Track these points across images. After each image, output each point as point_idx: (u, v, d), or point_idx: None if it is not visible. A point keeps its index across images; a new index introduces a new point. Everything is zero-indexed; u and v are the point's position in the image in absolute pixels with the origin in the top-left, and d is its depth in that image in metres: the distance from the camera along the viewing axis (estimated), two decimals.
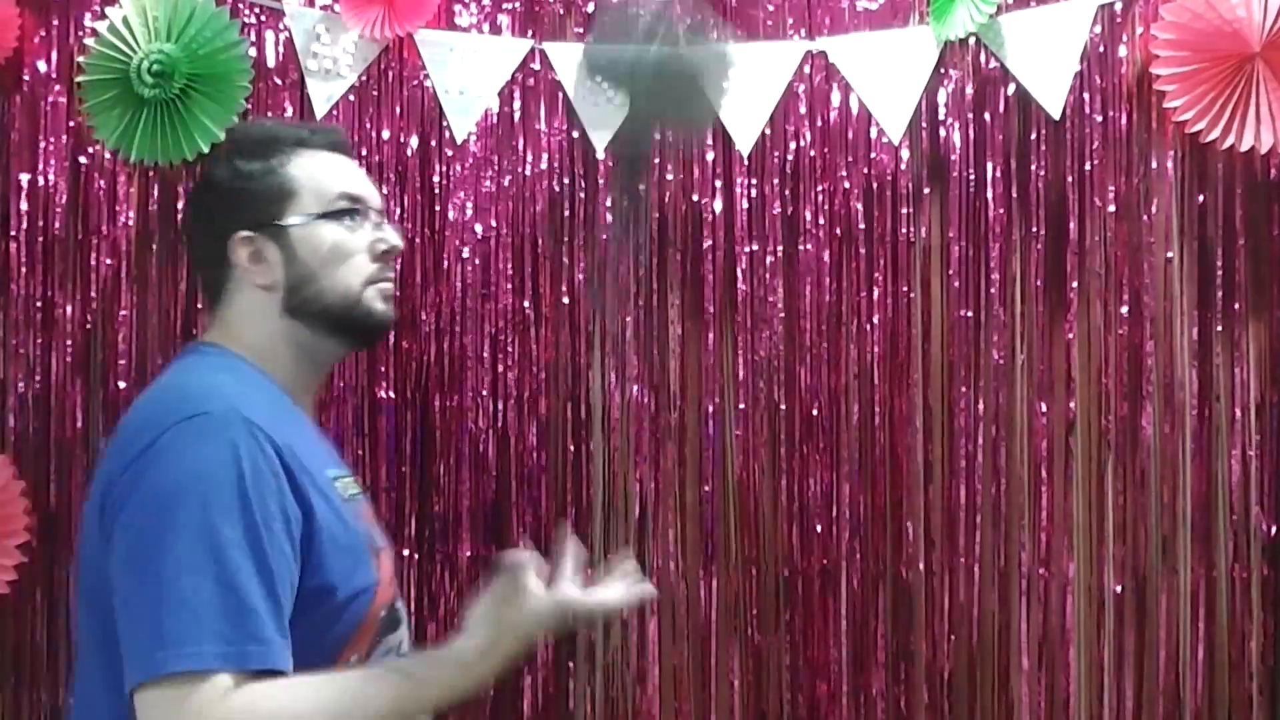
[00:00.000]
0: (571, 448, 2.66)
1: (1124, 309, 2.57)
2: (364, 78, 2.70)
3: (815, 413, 2.62)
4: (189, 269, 2.68)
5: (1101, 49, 2.57)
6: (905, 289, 2.61)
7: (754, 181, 2.65)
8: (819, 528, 2.61)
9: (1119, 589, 2.59)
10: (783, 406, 2.63)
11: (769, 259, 2.64)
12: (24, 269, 2.73)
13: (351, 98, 2.70)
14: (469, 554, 2.67)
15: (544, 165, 2.68)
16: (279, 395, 1.56)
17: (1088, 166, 2.58)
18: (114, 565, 1.39)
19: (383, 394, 2.69)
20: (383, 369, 2.68)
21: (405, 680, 1.46)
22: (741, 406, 2.64)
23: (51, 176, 2.73)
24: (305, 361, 1.60)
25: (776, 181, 2.64)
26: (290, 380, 1.58)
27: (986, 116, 2.61)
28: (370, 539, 1.56)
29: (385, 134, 2.70)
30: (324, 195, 1.60)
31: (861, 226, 2.63)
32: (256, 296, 1.58)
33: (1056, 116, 2.55)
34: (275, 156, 1.61)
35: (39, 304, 2.72)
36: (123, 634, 1.36)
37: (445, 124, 2.68)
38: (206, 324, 1.65)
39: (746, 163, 2.64)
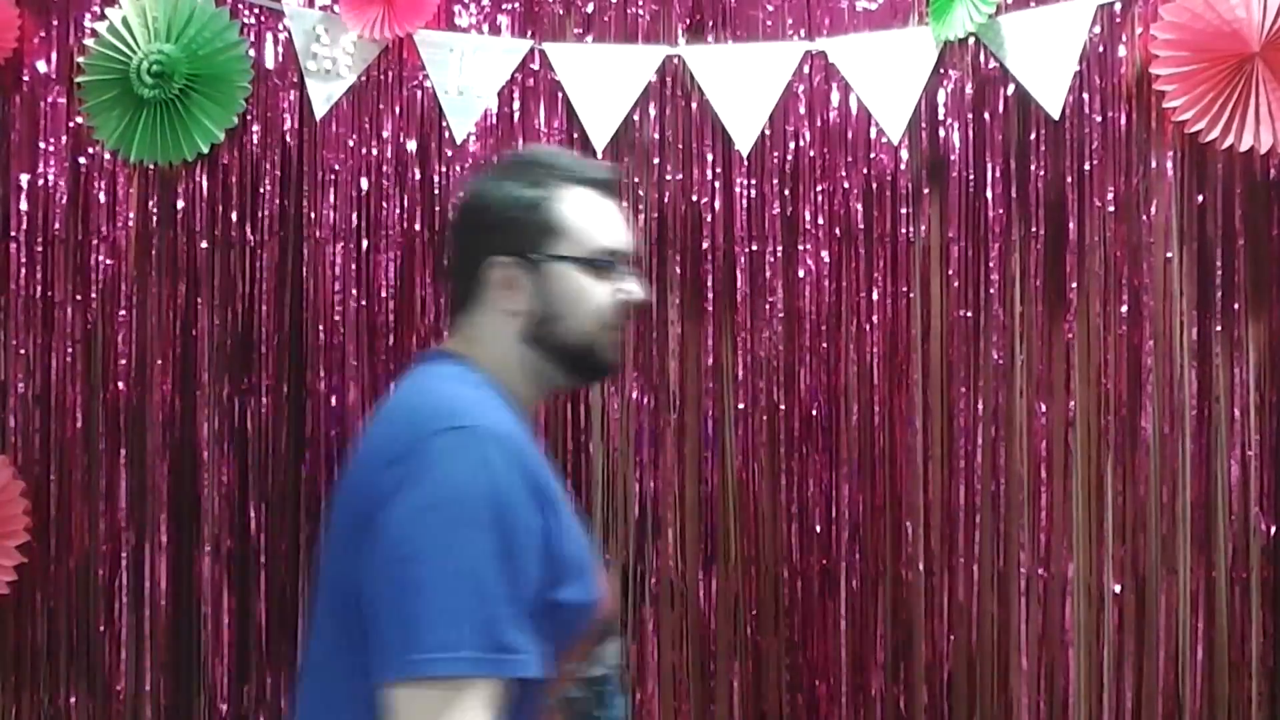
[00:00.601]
0: (571, 447, 2.66)
1: (1124, 309, 2.57)
2: (364, 78, 2.70)
3: (815, 413, 2.62)
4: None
5: (1101, 49, 2.57)
6: (905, 289, 2.61)
7: (754, 181, 2.65)
8: (818, 528, 2.61)
9: (1119, 589, 2.59)
10: (782, 406, 2.63)
11: (769, 259, 2.64)
12: (24, 269, 2.73)
13: (351, 98, 2.70)
14: None
15: None
16: (514, 411, 1.59)
17: (1087, 166, 2.58)
18: (369, 567, 1.42)
19: (383, 393, 2.69)
20: (383, 368, 2.68)
21: None
22: (741, 406, 2.64)
23: (51, 176, 2.73)
24: (534, 384, 1.63)
25: (776, 181, 2.64)
26: (519, 397, 1.61)
27: (986, 116, 2.61)
28: (592, 554, 1.58)
29: (385, 134, 2.70)
30: (588, 244, 1.60)
31: (861, 226, 2.63)
32: (501, 318, 1.60)
33: (1056, 116, 2.55)
34: (550, 188, 1.60)
35: (39, 304, 2.72)
36: (377, 633, 1.40)
37: (445, 124, 2.68)
38: (449, 329, 1.66)
39: (746, 163, 2.64)
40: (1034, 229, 2.60)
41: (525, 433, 1.56)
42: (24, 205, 2.73)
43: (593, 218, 1.62)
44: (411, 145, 2.70)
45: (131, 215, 2.72)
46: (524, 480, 1.46)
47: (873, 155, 2.62)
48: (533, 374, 1.61)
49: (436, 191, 2.70)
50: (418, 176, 2.70)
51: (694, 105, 2.66)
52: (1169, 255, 2.57)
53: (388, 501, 1.42)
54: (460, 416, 1.47)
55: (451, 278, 1.65)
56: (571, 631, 1.52)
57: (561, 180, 1.61)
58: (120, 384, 2.71)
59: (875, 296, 2.62)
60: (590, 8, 2.70)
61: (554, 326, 1.59)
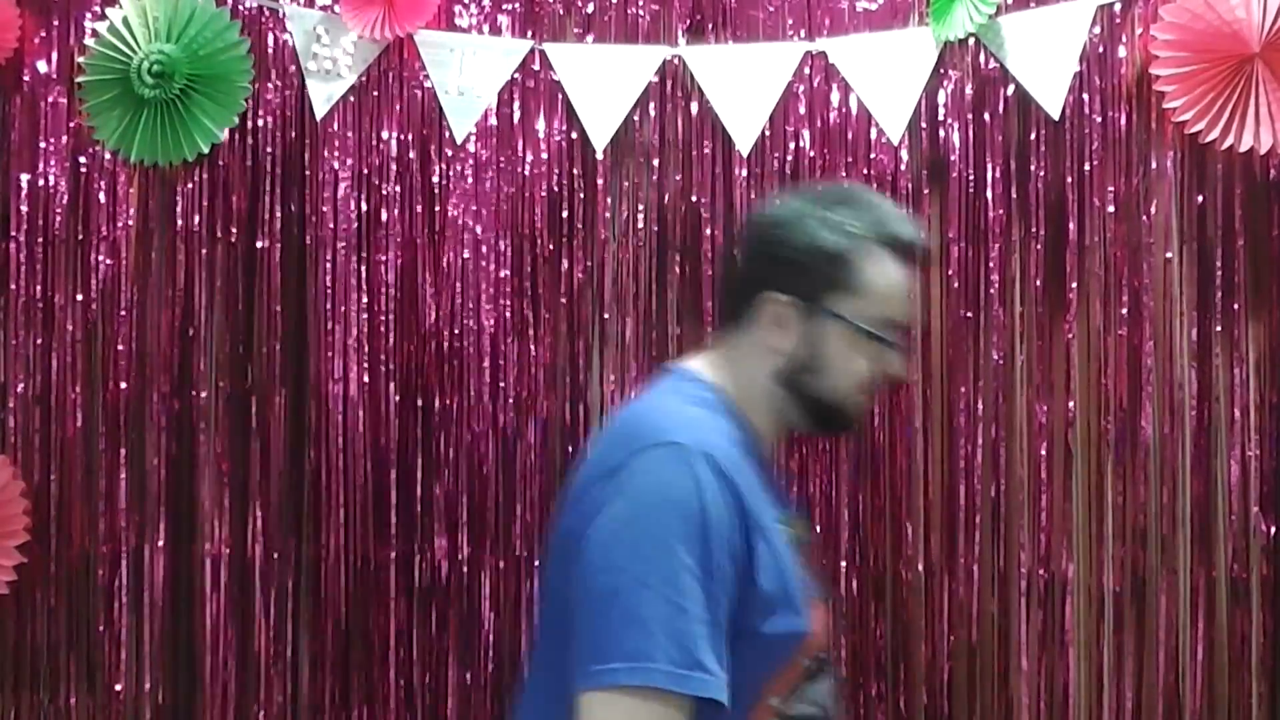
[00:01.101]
0: (571, 448, 2.66)
1: (1124, 309, 2.57)
2: (364, 78, 2.70)
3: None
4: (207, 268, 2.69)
5: (1101, 49, 2.57)
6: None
7: (754, 181, 2.65)
8: (819, 528, 2.61)
9: (1118, 589, 2.59)
10: None
11: None
12: (24, 269, 2.73)
13: (351, 98, 2.70)
14: (468, 553, 2.67)
15: (544, 165, 2.68)
16: (744, 436, 1.55)
17: (1087, 167, 2.58)
18: (577, 574, 1.42)
19: (383, 392, 2.69)
20: (383, 368, 2.68)
21: None
22: None
23: (51, 176, 2.73)
24: (775, 421, 1.60)
25: (777, 182, 2.64)
26: (756, 429, 1.58)
27: (986, 117, 2.61)
28: (807, 587, 1.53)
29: (385, 134, 2.70)
30: (878, 315, 1.55)
31: None
32: (760, 351, 1.56)
33: (1056, 117, 2.55)
34: (857, 243, 1.53)
35: (39, 304, 2.72)
36: (575, 642, 1.40)
37: (445, 124, 2.68)
38: (707, 342, 1.64)
39: (746, 163, 2.64)
40: (1034, 229, 2.59)
41: (747, 459, 1.51)
42: (24, 205, 2.73)
43: (888, 287, 1.56)
44: (412, 145, 2.70)
45: (131, 215, 2.72)
46: (731, 501, 1.43)
47: (873, 155, 2.62)
48: (776, 411, 1.58)
49: (436, 191, 2.70)
50: (418, 176, 2.70)
51: (694, 105, 2.66)
52: (1169, 255, 2.57)
53: (596, 514, 1.42)
54: (673, 433, 1.46)
55: (724, 290, 1.63)
56: (774, 663, 1.48)
57: (871, 237, 1.54)
58: (120, 384, 2.71)
59: None
60: (590, 8, 2.70)
61: (811, 378, 1.55)
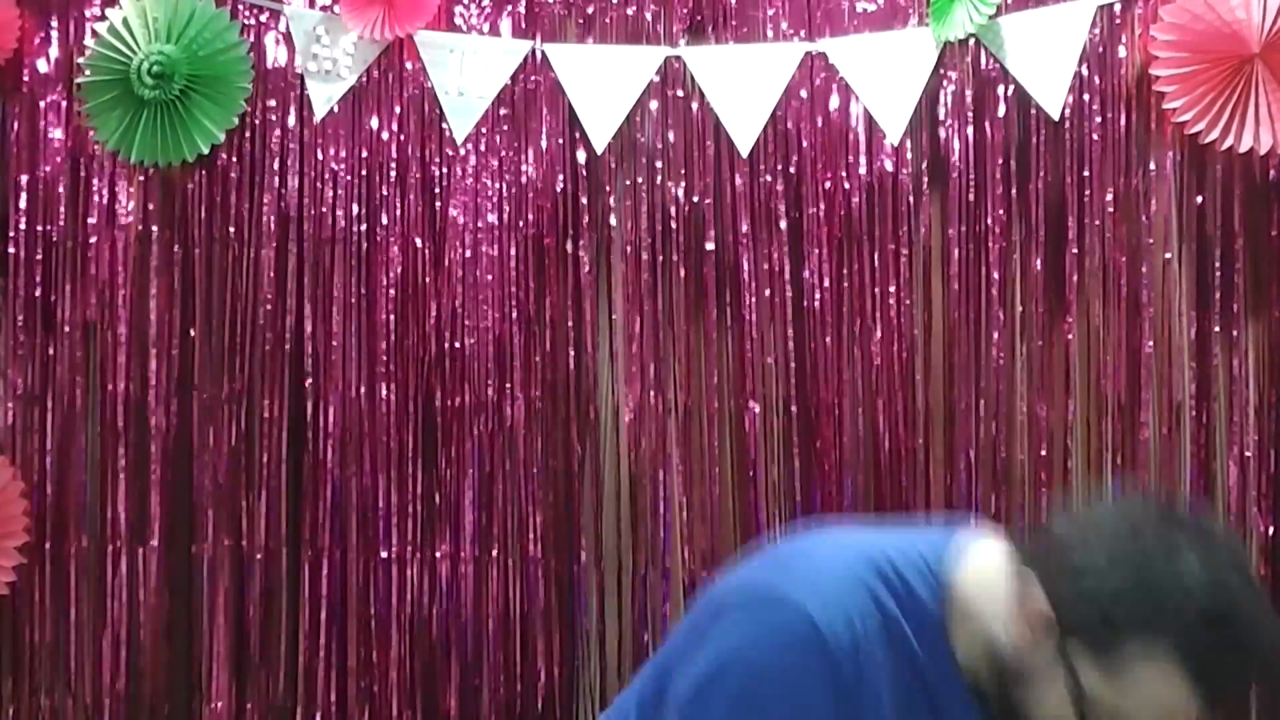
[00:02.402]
0: (578, 450, 2.66)
1: (1124, 309, 2.57)
2: (364, 78, 2.70)
3: (816, 413, 2.62)
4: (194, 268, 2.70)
5: (1101, 50, 2.57)
6: (905, 289, 2.61)
7: (754, 182, 2.65)
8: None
9: None
10: (783, 406, 2.63)
11: (769, 260, 2.64)
12: (24, 269, 2.73)
13: (351, 99, 2.70)
14: (473, 553, 2.67)
15: (544, 165, 2.68)
16: (917, 653, 1.27)
17: (1087, 167, 2.58)
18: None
19: (384, 393, 2.69)
20: (383, 369, 2.68)
21: None
22: (742, 406, 2.64)
23: (51, 177, 2.73)
24: (972, 650, 1.29)
25: (777, 182, 2.64)
26: (955, 656, 1.29)
27: (986, 117, 2.60)
28: None
29: (385, 135, 2.70)
30: (1106, 711, 1.21)
31: (861, 227, 2.62)
32: (1009, 605, 1.26)
33: (1056, 117, 2.55)
34: (1155, 626, 1.17)
35: (39, 304, 2.72)
36: None
37: (445, 125, 2.68)
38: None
39: (746, 163, 2.64)
40: (1034, 229, 2.59)
41: (886, 650, 1.24)
42: (24, 205, 2.73)
43: (1148, 707, 1.20)
44: (412, 146, 2.70)
45: (131, 215, 2.72)
46: (822, 681, 1.19)
47: (873, 156, 2.62)
48: (977, 652, 1.28)
49: (437, 191, 2.70)
50: (418, 176, 2.70)
51: (694, 106, 2.66)
52: (1168, 255, 2.57)
53: (685, 655, 1.27)
54: (782, 586, 1.24)
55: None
56: None
57: (1178, 636, 1.17)
58: (120, 384, 2.71)
59: (875, 297, 2.62)
60: (591, 8, 2.70)
61: (1014, 685, 1.25)
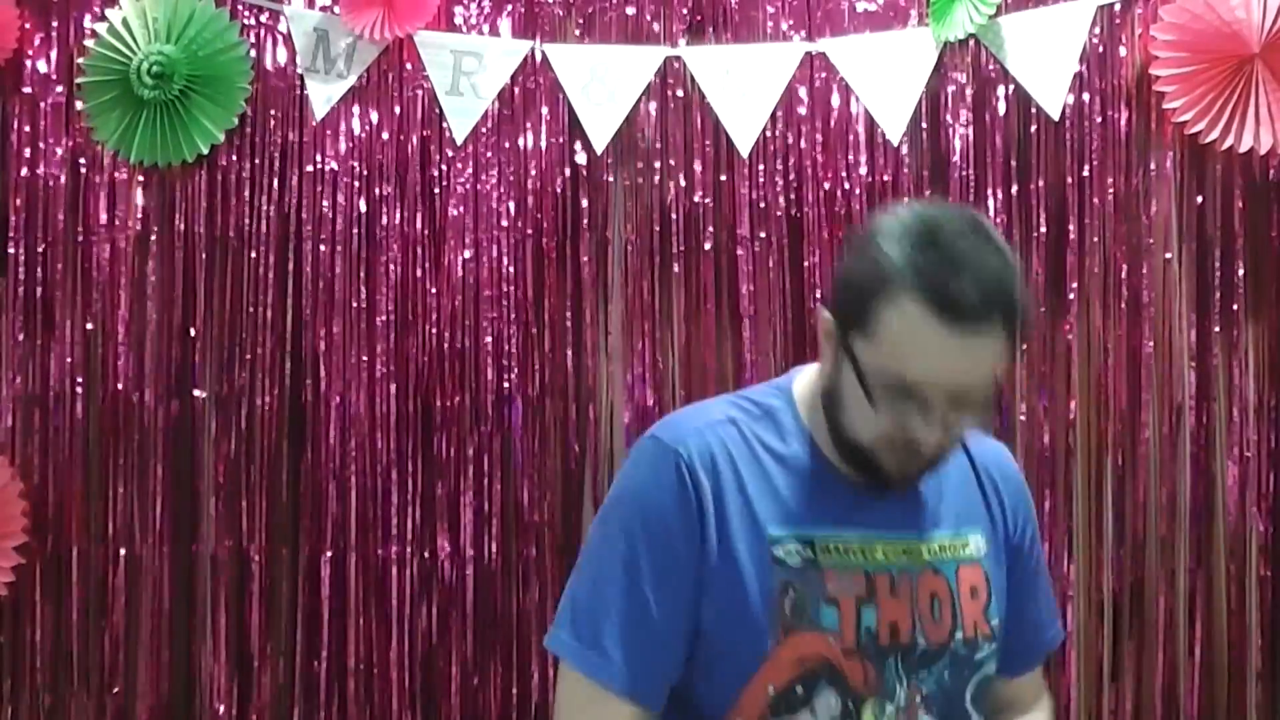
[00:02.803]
0: (576, 449, 2.66)
1: (1124, 309, 2.57)
2: (364, 78, 2.70)
3: None
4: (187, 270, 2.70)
5: (1101, 49, 2.57)
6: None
7: (754, 182, 2.65)
8: None
9: (1117, 589, 2.59)
10: None
11: (769, 259, 2.64)
12: (24, 269, 2.73)
13: (351, 99, 2.70)
14: (469, 554, 2.67)
15: (544, 165, 2.68)
16: (789, 446, 1.48)
17: (1087, 167, 2.58)
18: None
19: (384, 393, 2.69)
20: (383, 369, 2.68)
21: None
22: None
23: (51, 176, 2.73)
24: (827, 437, 1.49)
25: (777, 182, 2.64)
26: (821, 443, 1.49)
27: (986, 117, 2.61)
28: (782, 612, 1.43)
29: (385, 134, 2.70)
30: (885, 368, 1.37)
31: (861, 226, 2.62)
32: (818, 365, 1.51)
33: (1056, 117, 2.55)
34: (892, 284, 1.35)
35: (39, 304, 2.72)
36: None
37: (445, 125, 2.68)
38: None
39: (747, 163, 2.64)
40: (1034, 229, 2.59)
41: (779, 469, 1.47)
42: (24, 205, 2.73)
43: (902, 342, 1.36)
44: (412, 145, 2.70)
45: (131, 215, 2.72)
46: (692, 501, 1.43)
47: (873, 155, 2.62)
48: (825, 429, 1.48)
49: (436, 192, 2.70)
50: (418, 176, 2.70)
51: (694, 106, 2.66)
52: (1169, 255, 2.57)
53: None
54: (663, 427, 1.51)
55: None
56: (723, 679, 1.45)
57: (908, 280, 1.34)
58: (120, 384, 2.71)
59: None
60: (590, 8, 2.70)
61: (837, 411, 1.45)
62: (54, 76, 2.75)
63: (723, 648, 1.44)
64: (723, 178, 2.66)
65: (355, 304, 2.69)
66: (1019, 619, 1.58)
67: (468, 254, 2.69)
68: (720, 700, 1.45)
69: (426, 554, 2.68)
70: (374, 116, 2.70)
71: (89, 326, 2.72)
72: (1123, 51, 2.58)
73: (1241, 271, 2.56)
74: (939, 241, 1.36)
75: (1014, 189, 2.59)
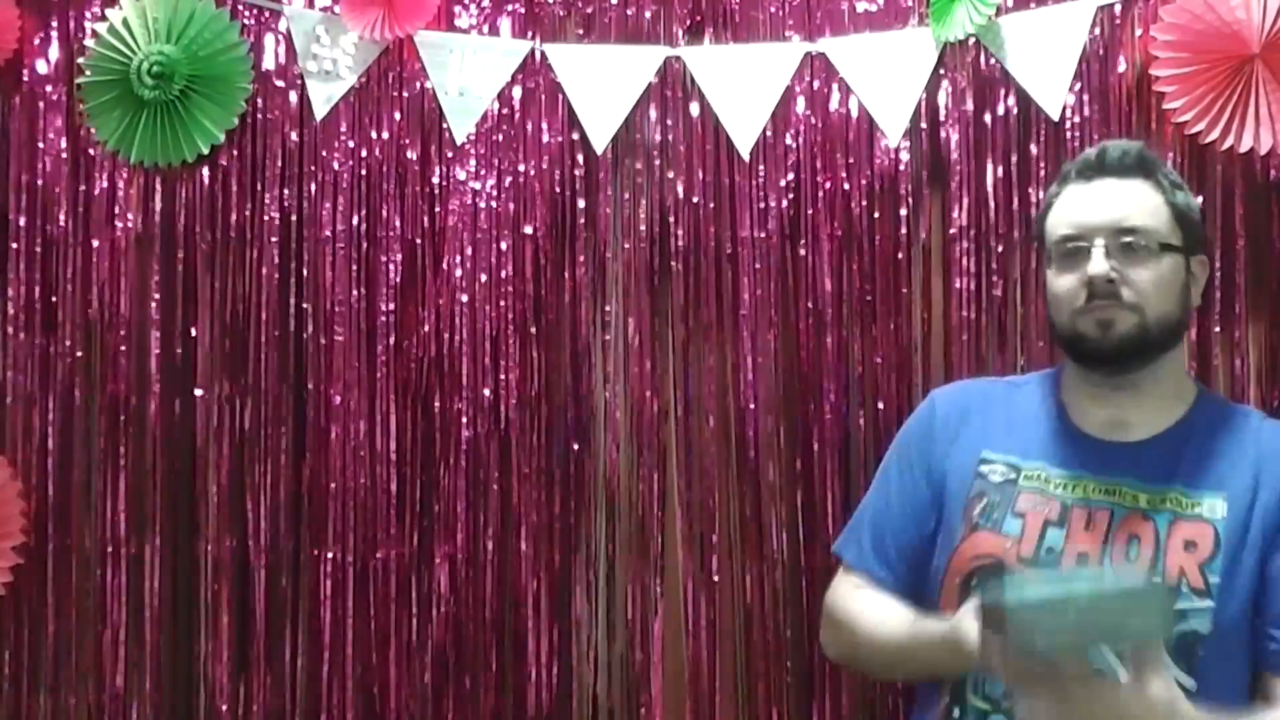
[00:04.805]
0: (576, 446, 2.66)
1: None
2: (364, 79, 2.70)
3: (816, 413, 2.62)
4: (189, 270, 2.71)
5: (1101, 50, 2.57)
6: (905, 290, 2.61)
7: (754, 182, 2.65)
8: (822, 528, 2.60)
9: None
10: (782, 406, 2.63)
11: (769, 260, 2.64)
12: (24, 269, 2.73)
13: (351, 99, 2.70)
14: (468, 555, 2.67)
15: (544, 165, 2.68)
16: (1038, 400, 1.85)
17: None
18: None
19: (383, 393, 2.69)
20: (383, 370, 2.68)
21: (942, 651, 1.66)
22: (741, 406, 2.64)
23: (51, 177, 2.73)
24: (1076, 370, 1.83)
25: (777, 182, 2.64)
26: (1070, 380, 1.84)
27: (986, 117, 2.60)
28: (971, 514, 1.75)
29: (385, 135, 2.70)
30: (1050, 240, 1.79)
31: (862, 228, 2.62)
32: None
33: (1056, 118, 2.55)
34: (1051, 197, 1.85)
35: (39, 304, 2.72)
36: None
37: (445, 125, 2.68)
38: None
39: (747, 164, 2.64)
40: (1034, 229, 2.59)
41: (1009, 403, 1.85)
42: (24, 205, 2.73)
43: (1060, 211, 1.79)
44: (412, 146, 2.70)
45: (131, 215, 2.72)
46: (933, 429, 1.87)
47: (873, 156, 2.62)
48: (1073, 389, 1.85)
49: (436, 192, 2.70)
50: (418, 178, 2.70)
51: (694, 105, 2.66)
52: None
53: None
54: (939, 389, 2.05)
55: None
56: (933, 576, 1.78)
57: (1060, 185, 1.83)
58: (120, 384, 2.71)
59: (876, 297, 2.62)
60: (590, 8, 2.70)
61: (1050, 313, 1.81)
62: (54, 76, 2.75)
63: (940, 537, 1.78)
64: (723, 178, 2.66)
65: (355, 304, 2.69)
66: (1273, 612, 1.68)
67: (468, 254, 2.69)
68: (937, 582, 1.77)
69: (426, 554, 2.68)
70: (374, 116, 2.70)
71: (89, 326, 2.71)
72: (1123, 52, 2.57)
73: (1242, 271, 2.55)
74: (1075, 160, 1.84)
75: (1014, 189, 2.59)
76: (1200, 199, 2.55)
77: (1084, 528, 1.67)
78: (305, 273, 2.70)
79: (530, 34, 2.70)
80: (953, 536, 1.76)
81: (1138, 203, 1.75)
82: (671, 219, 2.66)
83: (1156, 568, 1.63)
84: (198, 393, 2.71)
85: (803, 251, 2.64)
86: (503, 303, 2.68)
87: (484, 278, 2.68)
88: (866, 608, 1.85)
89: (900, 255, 2.61)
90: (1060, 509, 1.71)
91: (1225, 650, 1.63)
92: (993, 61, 2.59)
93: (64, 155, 2.74)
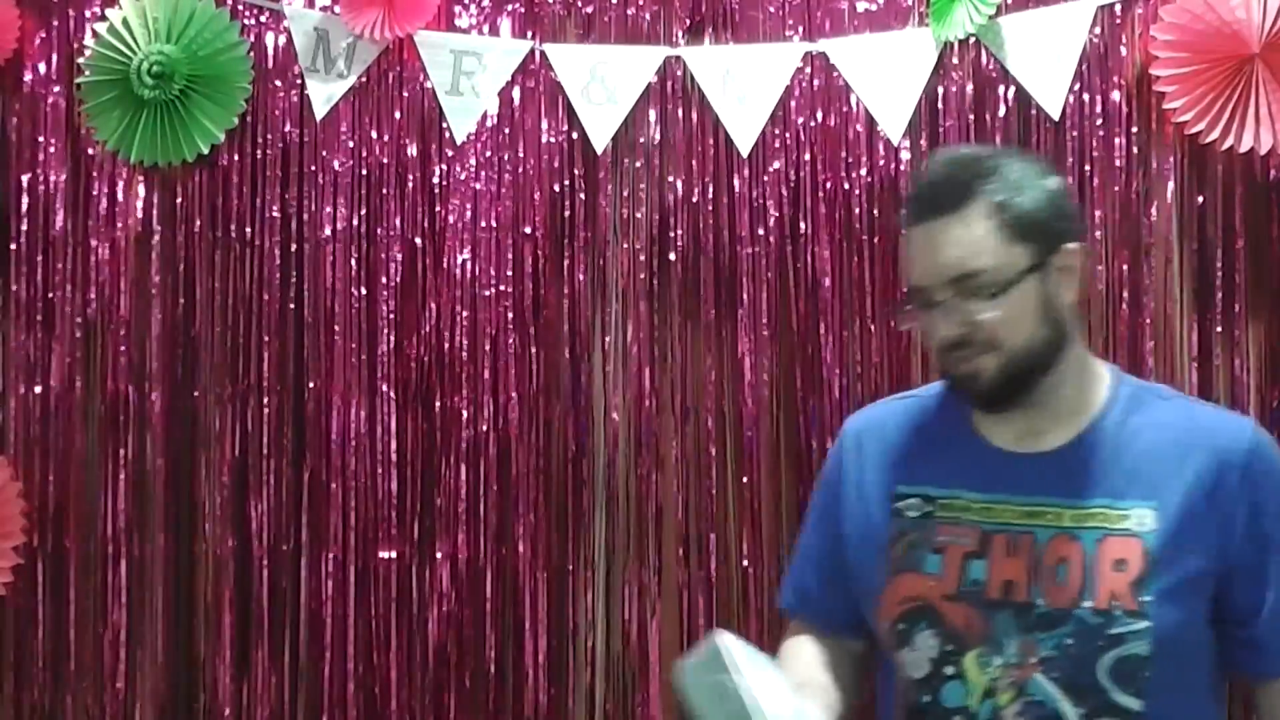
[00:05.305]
0: (573, 446, 2.66)
1: (1124, 309, 2.57)
2: (364, 78, 2.70)
3: (815, 412, 2.62)
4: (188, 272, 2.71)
5: (1101, 50, 2.57)
6: (906, 289, 2.60)
7: (754, 182, 2.64)
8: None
9: None
10: (783, 406, 2.63)
11: (769, 260, 2.64)
12: (24, 269, 2.73)
13: (351, 98, 2.70)
14: (468, 554, 2.67)
15: (544, 165, 2.68)
16: (941, 411, 1.68)
17: (1087, 167, 2.58)
18: None
19: (383, 393, 2.69)
20: (383, 369, 2.68)
21: None
22: (741, 406, 2.64)
23: (51, 176, 2.73)
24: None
25: (777, 181, 2.64)
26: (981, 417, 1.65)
27: (986, 117, 2.60)
28: (894, 557, 1.63)
29: (385, 135, 2.70)
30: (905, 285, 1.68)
31: (862, 227, 2.62)
32: None
33: (1056, 117, 2.55)
34: (902, 226, 1.63)
35: (39, 304, 2.72)
36: None
37: (445, 125, 2.68)
38: None
39: (746, 163, 2.64)
40: None
41: (911, 430, 1.68)
42: (24, 205, 2.73)
43: (905, 256, 1.66)
44: (412, 146, 2.70)
45: (131, 215, 2.72)
46: (845, 463, 1.71)
47: (873, 155, 2.62)
48: None
49: (436, 192, 2.70)
50: (418, 177, 2.70)
51: (694, 105, 2.66)
52: (1169, 256, 2.57)
53: None
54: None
55: None
56: (866, 603, 1.66)
57: (902, 223, 1.62)
58: (120, 384, 2.71)
59: (876, 297, 2.61)
60: (590, 8, 2.70)
61: None
62: (54, 76, 2.75)
63: (863, 583, 1.65)
64: (723, 178, 2.65)
65: (355, 304, 2.69)
66: (1257, 612, 1.57)
67: (468, 254, 2.69)
68: (875, 628, 1.67)
69: (426, 554, 2.68)
70: (374, 116, 2.70)
71: (89, 326, 2.72)
72: (1123, 51, 2.57)
73: (1242, 271, 2.55)
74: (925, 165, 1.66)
75: None
76: (1200, 199, 2.55)
77: (1007, 554, 1.55)
78: (305, 273, 2.70)
79: (530, 34, 2.70)
80: (873, 578, 1.63)
81: (968, 243, 1.52)
82: (671, 219, 2.66)
83: (1086, 596, 1.51)
84: (197, 393, 2.71)
85: (803, 251, 2.63)
86: (503, 303, 2.68)
87: (484, 277, 2.68)
88: (783, 658, 1.75)
89: (900, 255, 2.60)
90: (980, 537, 1.57)
91: (1176, 665, 1.52)
92: (993, 61, 2.59)
93: (64, 155, 2.73)
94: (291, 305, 2.70)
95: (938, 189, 1.56)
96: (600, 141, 2.65)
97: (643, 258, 2.66)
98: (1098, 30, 2.56)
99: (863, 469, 1.69)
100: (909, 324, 1.69)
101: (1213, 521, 1.54)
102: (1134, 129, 2.56)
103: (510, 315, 2.68)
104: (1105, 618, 1.50)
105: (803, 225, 2.64)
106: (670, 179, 2.67)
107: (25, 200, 2.73)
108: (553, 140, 2.68)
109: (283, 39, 2.71)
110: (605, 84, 2.65)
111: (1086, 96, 2.57)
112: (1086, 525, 1.55)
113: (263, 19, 2.73)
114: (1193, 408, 1.67)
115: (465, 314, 2.68)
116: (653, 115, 2.67)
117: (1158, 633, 1.50)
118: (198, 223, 2.72)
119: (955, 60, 2.61)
